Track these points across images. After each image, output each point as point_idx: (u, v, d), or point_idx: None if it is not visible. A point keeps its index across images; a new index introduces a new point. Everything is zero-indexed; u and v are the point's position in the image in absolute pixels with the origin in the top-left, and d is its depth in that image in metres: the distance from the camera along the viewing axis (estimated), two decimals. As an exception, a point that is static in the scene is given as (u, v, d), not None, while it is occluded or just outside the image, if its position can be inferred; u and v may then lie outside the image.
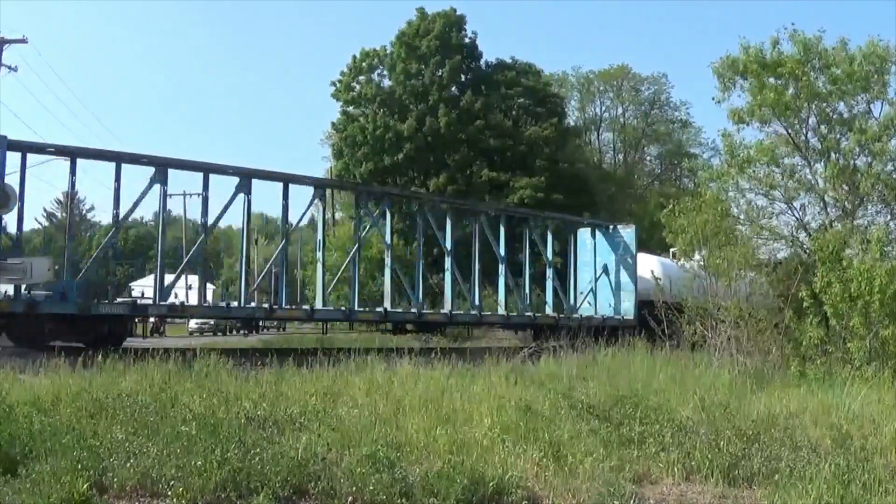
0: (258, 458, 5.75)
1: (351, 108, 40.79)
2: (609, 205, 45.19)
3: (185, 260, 20.93)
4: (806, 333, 13.40)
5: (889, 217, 17.19)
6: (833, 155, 17.25)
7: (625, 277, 24.36)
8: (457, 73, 39.92)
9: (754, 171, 17.37)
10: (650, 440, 7.12)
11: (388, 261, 21.77)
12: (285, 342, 25.65)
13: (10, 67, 26.11)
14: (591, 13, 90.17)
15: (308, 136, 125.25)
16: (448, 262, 21.73)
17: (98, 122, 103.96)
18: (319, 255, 20.97)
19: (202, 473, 5.44)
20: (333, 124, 41.38)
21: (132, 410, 7.25)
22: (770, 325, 13.34)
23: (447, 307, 21.87)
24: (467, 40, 40.68)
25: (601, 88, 55.37)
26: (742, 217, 17.76)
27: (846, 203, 16.94)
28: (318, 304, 19.87)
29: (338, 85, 41.05)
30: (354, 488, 5.50)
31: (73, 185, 16.79)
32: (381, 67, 41.05)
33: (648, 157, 59.78)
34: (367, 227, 22.50)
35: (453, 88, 39.88)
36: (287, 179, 19.32)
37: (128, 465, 5.57)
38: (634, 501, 5.78)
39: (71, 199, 20.66)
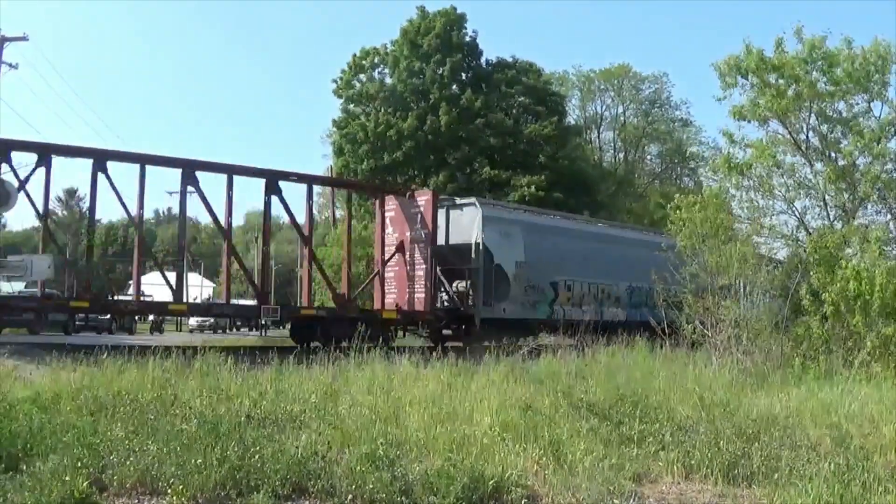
0: (258, 456, 5.75)
1: (352, 106, 40.80)
2: (609, 203, 45.16)
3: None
4: (806, 332, 13.41)
5: (889, 217, 17.21)
6: (833, 154, 17.27)
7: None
8: (457, 72, 39.89)
9: (754, 171, 17.37)
10: (650, 439, 7.13)
11: None
12: (285, 340, 25.66)
13: (10, 65, 26.08)
14: (592, 12, 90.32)
15: (308, 134, 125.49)
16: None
17: (99, 120, 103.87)
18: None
19: (202, 471, 5.45)
20: (334, 121, 41.37)
21: (132, 408, 7.26)
22: (770, 323, 13.35)
23: None
24: (468, 39, 40.67)
25: (602, 87, 55.35)
26: (742, 215, 17.77)
27: (846, 203, 16.95)
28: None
29: (339, 82, 41.08)
30: (354, 486, 5.51)
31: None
32: (382, 65, 41.06)
33: (649, 156, 59.79)
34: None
35: (454, 87, 39.86)
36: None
37: (128, 462, 5.58)
38: (634, 500, 5.79)
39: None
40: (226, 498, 5.36)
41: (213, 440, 5.99)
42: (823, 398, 9.43)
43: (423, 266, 18.78)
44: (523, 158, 38.66)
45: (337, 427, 6.95)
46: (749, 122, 17.65)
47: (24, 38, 26.47)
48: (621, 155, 57.55)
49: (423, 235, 18.82)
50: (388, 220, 19.75)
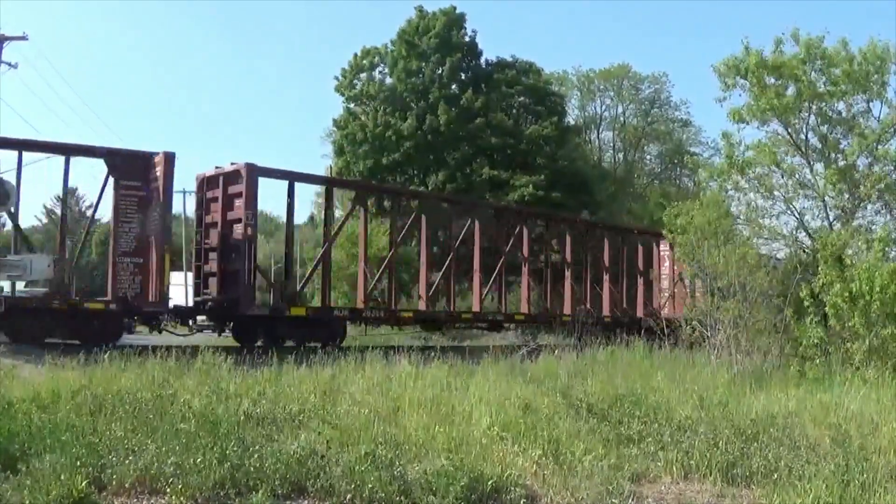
0: (257, 456, 5.75)
1: (352, 105, 40.77)
2: (609, 203, 45.14)
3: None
4: (805, 333, 13.40)
5: (889, 218, 17.19)
6: (833, 155, 17.26)
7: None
8: (457, 72, 39.84)
9: (754, 172, 17.36)
10: (649, 439, 7.13)
11: None
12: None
13: (9, 64, 26.03)
14: (592, 12, 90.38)
15: (309, 134, 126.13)
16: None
17: (98, 119, 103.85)
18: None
19: (201, 471, 5.45)
20: (335, 121, 41.33)
21: (132, 407, 7.25)
22: (769, 324, 13.34)
23: None
24: (467, 39, 40.62)
25: (601, 87, 55.29)
26: (741, 217, 17.76)
27: (846, 204, 16.94)
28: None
29: (340, 80, 41.07)
30: (353, 486, 5.51)
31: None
32: (382, 65, 41.02)
33: (648, 157, 59.70)
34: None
35: (453, 87, 39.82)
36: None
37: (127, 462, 5.57)
38: (633, 500, 5.80)
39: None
40: (225, 497, 5.36)
41: (213, 439, 5.98)
42: (822, 399, 9.43)
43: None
44: (523, 158, 38.63)
45: (336, 427, 6.94)
46: (748, 123, 17.64)
47: (23, 38, 26.43)
48: (621, 155, 57.51)
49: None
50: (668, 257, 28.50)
